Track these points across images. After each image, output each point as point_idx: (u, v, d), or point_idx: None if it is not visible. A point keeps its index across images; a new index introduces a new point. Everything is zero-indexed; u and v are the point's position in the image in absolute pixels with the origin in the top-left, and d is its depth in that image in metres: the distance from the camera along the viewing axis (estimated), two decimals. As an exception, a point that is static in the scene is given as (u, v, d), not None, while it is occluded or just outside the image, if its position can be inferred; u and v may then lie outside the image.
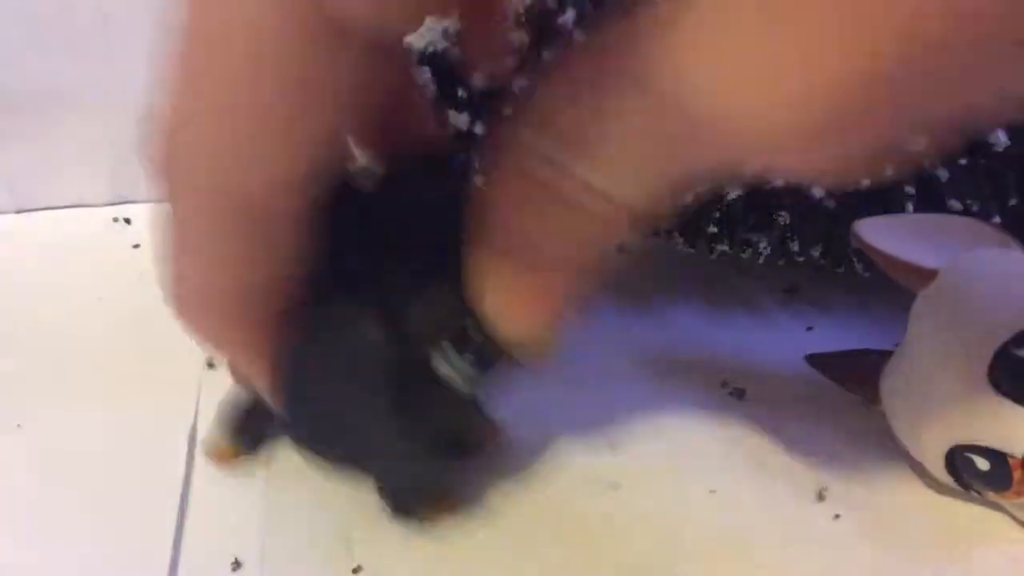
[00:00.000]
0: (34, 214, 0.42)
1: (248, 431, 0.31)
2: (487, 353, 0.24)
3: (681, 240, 0.34)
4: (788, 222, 0.32)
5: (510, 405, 0.33)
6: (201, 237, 0.23)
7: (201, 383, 0.34)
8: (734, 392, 0.33)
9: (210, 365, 0.34)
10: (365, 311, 0.24)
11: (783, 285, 0.38)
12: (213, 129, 0.21)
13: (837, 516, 0.29)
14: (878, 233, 0.30)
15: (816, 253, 0.33)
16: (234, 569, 0.28)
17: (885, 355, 0.31)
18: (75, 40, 0.40)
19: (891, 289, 0.31)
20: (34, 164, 0.42)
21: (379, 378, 0.24)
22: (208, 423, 0.32)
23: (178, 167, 0.22)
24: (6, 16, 0.39)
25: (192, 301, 0.24)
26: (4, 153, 0.41)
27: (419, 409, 0.25)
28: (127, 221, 0.42)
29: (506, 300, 0.23)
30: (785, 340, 0.35)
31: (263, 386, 0.26)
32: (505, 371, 0.25)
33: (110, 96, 0.41)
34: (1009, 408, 0.27)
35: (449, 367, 0.24)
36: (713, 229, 0.33)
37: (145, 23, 0.39)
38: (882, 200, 0.31)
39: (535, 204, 0.21)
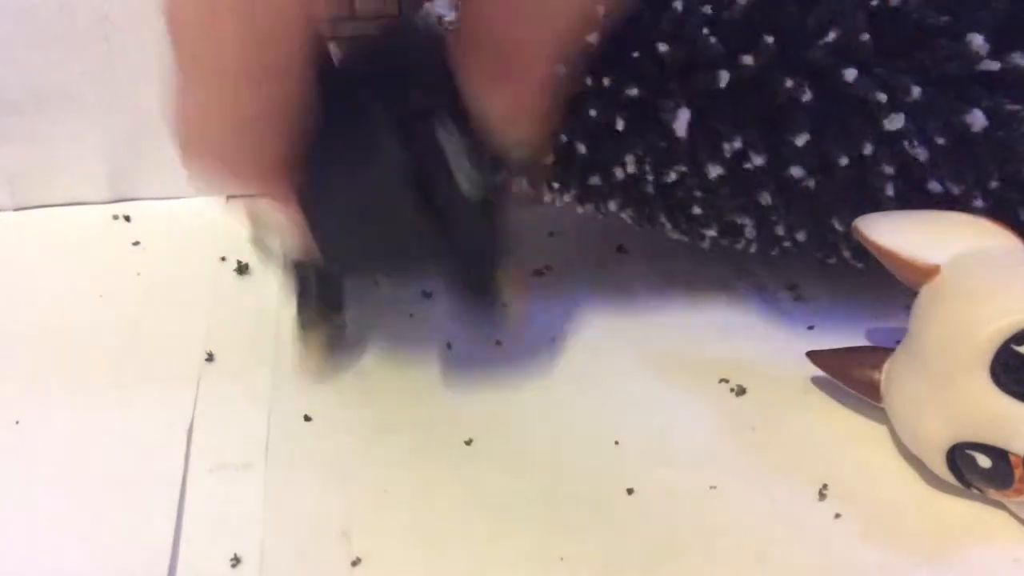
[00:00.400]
0: (34, 212, 0.42)
1: (325, 298, 0.33)
2: (486, 155, 0.26)
3: (669, 224, 0.35)
4: (770, 203, 0.32)
5: (513, 404, 0.33)
6: (212, 73, 0.24)
7: (200, 380, 0.34)
8: (734, 390, 0.33)
9: (208, 360, 0.35)
10: (379, 130, 0.26)
11: (783, 284, 0.38)
12: None
13: (838, 515, 0.29)
14: (880, 229, 0.30)
15: (802, 237, 0.33)
16: (233, 565, 0.28)
17: (886, 352, 0.31)
18: (75, 40, 0.40)
19: (892, 286, 0.31)
20: (34, 163, 0.42)
21: (400, 184, 0.26)
22: (207, 419, 0.32)
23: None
24: (6, 16, 0.39)
25: (210, 138, 0.25)
26: (4, 152, 0.41)
27: (438, 210, 0.26)
28: (127, 219, 0.42)
29: (494, 96, 0.26)
30: (785, 339, 0.35)
31: (286, 213, 0.27)
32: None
33: (110, 96, 0.41)
34: (1010, 405, 0.27)
35: (452, 145, 0.26)
36: (697, 210, 0.33)
37: (145, 23, 0.39)
38: (861, 182, 0.31)
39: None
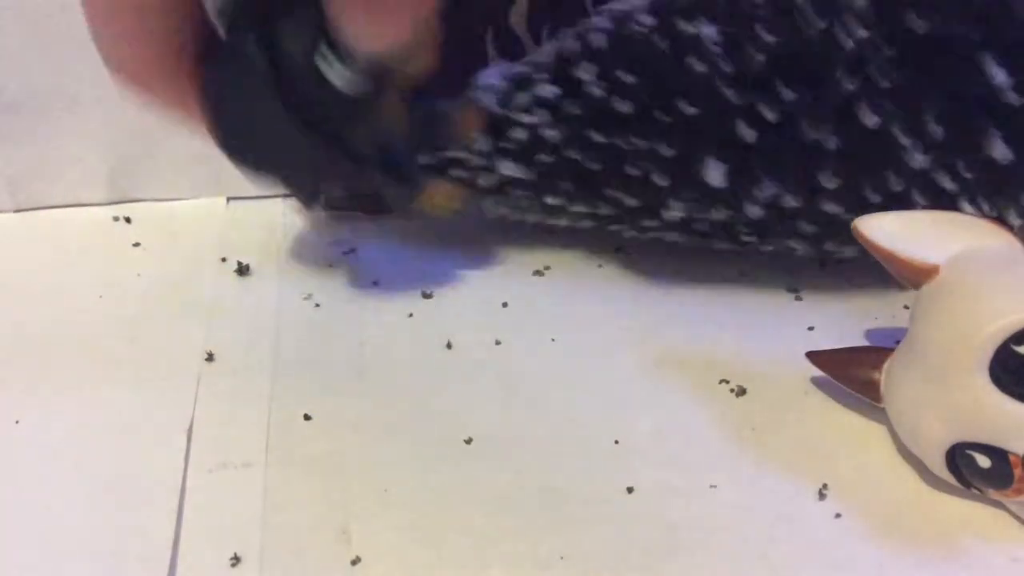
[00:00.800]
0: (34, 213, 0.42)
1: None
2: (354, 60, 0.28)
3: (726, 245, 0.36)
4: (814, 231, 0.34)
5: (513, 404, 0.33)
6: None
7: (200, 380, 0.34)
8: (735, 390, 0.33)
9: (208, 360, 0.35)
10: (249, 37, 0.28)
11: (783, 285, 0.38)
12: None
13: (838, 515, 0.29)
14: (879, 230, 0.30)
15: (851, 252, 0.34)
16: (233, 564, 0.28)
17: (886, 352, 0.31)
18: (75, 40, 0.40)
19: (892, 286, 0.31)
20: (34, 164, 0.42)
21: (271, 90, 0.28)
22: (207, 419, 0.32)
23: None
24: (6, 16, 0.39)
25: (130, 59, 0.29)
26: (4, 153, 0.41)
27: (312, 110, 0.29)
28: (127, 220, 0.42)
29: (367, 32, 0.27)
30: (785, 339, 0.35)
31: (195, 116, 0.30)
32: None
33: (110, 96, 0.41)
34: (1010, 405, 0.27)
35: (328, 65, 0.28)
36: (749, 238, 0.35)
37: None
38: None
39: None
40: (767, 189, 0.33)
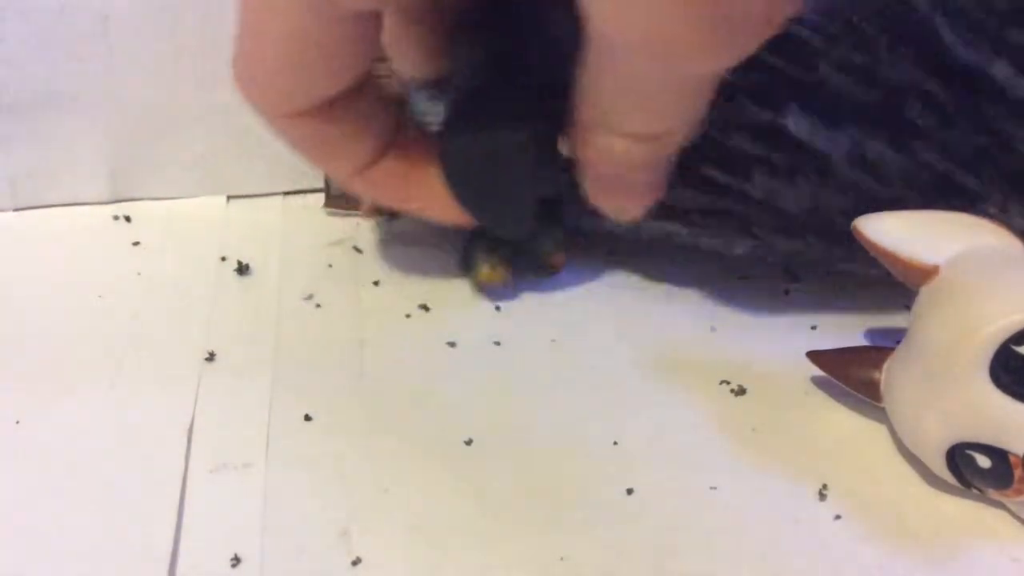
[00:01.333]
0: (34, 212, 0.42)
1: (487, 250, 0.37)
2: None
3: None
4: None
5: (513, 404, 0.33)
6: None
7: (200, 379, 0.34)
8: (735, 390, 0.33)
9: (208, 360, 0.35)
10: (514, 122, 0.30)
11: (783, 285, 0.38)
12: None
13: (838, 516, 0.29)
14: (880, 229, 0.30)
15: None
16: (233, 565, 0.28)
17: (886, 352, 0.31)
18: (75, 40, 0.40)
19: (892, 286, 0.31)
20: (34, 163, 0.42)
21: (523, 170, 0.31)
22: (207, 419, 0.32)
23: None
24: (6, 16, 0.39)
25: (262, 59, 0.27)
26: (4, 153, 0.41)
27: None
28: (127, 219, 0.42)
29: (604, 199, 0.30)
30: (785, 339, 0.35)
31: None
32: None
33: (110, 96, 0.41)
34: (1010, 405, 0.27)
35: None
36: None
37: (145, 24, 0.39)
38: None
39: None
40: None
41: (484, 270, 0.37)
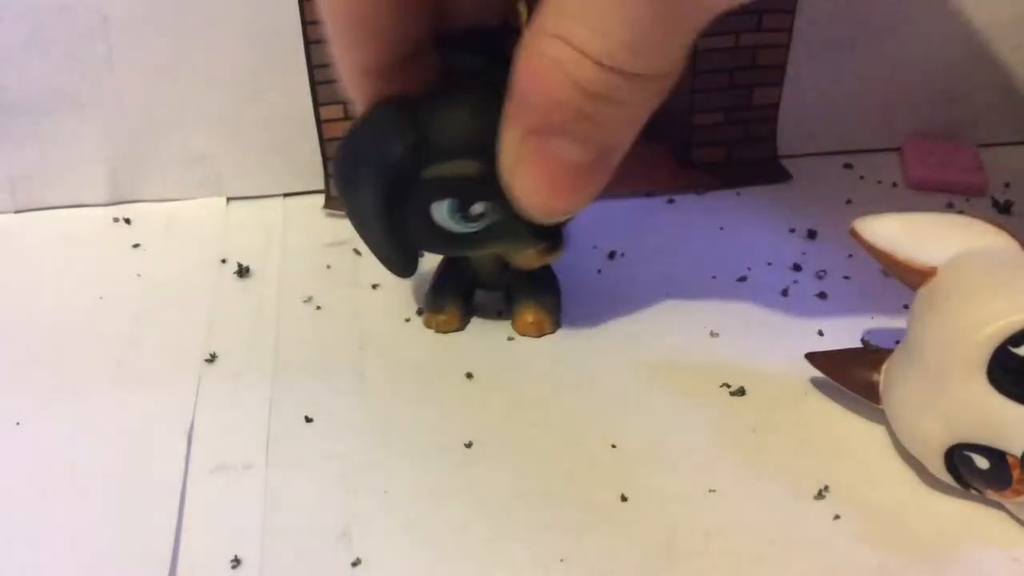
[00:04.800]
0: (34, 214, 0.42)
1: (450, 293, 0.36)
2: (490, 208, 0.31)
3: None
4: None
5: (513, 407, 0.33)
6: None
7: (200, 380, 0.34)
8: (734, 392, 0.33)
9: (209, 361, 0.35)
10: (399, 117, 0.30)
11: (782, 286, 0.38)
12: None
13: (837, 516, 0.29)
14: (877, 231, 0.30)
15: None
16: (234, 567, 0.28)
17: (885, 353, 0.31)
18: (75, 40, 0.40)
19: (891, 287, 0.31)
20: (34, 165, 0.42)
21: (384, 179, 0.30)
22: (207, 419, 0.32)
23: None
24: (6, 16, 0.39)
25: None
26: (4, 153, 0.41)
27: (403, 222, 0.32)
28: (127, 221, 0.42)
29: (525, 174, 0.27)
30: (784, 341, 0.35)
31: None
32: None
33: (110, 97, 0.41)
34: (1008, 406, 0.27)
35: (443, 217, 0.31)
36: None
37: (144, 24, 0.39)
38: None
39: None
40: None
41: (440, 318, 0.36)
